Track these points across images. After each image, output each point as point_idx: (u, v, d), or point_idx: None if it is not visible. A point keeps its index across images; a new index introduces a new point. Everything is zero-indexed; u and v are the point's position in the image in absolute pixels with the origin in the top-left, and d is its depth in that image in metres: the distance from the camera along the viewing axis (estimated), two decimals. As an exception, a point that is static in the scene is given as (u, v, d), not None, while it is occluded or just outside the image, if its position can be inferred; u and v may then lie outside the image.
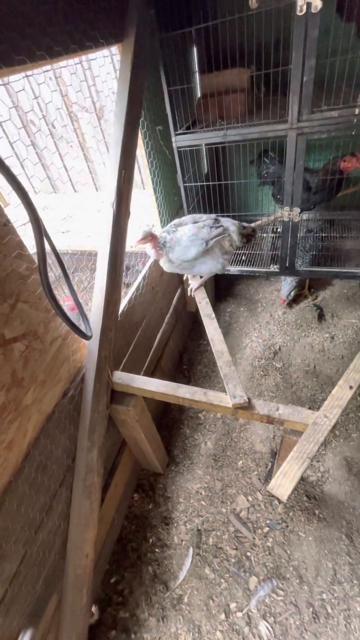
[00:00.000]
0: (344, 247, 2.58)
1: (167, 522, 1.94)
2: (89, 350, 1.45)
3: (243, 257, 2.66)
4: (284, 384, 2.44)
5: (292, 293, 2.93)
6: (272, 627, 1.51)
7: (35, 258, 1.00)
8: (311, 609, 1.53)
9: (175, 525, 1.91)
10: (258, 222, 2.50)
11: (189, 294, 2.06)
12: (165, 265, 1.86)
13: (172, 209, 2.38)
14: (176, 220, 1.85)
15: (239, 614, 1.57)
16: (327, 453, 2.01)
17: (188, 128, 2.03)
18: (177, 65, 1.89)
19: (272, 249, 2.68)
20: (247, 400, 1.36)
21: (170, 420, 2.41)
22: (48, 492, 1.29)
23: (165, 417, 2.44)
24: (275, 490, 1.10)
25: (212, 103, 2.01)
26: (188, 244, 1.72)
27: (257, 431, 2.20)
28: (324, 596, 1.56)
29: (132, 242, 1.66)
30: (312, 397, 2.32)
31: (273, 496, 1.90)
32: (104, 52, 3.00)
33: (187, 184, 2.21)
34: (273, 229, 2.89)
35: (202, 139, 1.95)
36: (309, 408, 1.34)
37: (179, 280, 2.65)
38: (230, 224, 1.83)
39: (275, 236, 2.80)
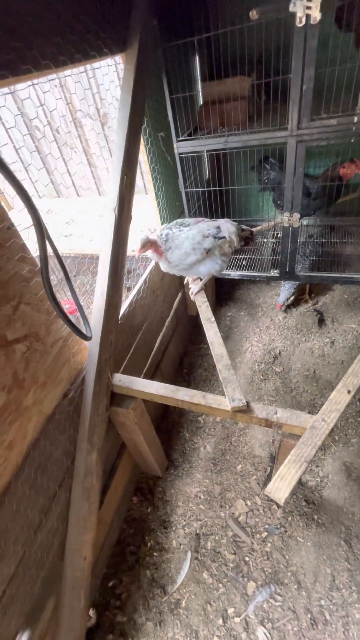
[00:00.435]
0: (344, 252, 2.60)
1: (166, 525, 1.93)
2: (89, 353, 1.47)
3: (244, 262, 2.68)
4: (284, 388, 2.44)
5: (292, 298, 2.94)
6: (269, 633, 1.51)
7: (38, 261, 1.02)
8: (309, 615, 1.53)
9: (173, 529, 1.91)
10: (258, 227, 2.53)
11: (191, 297, 2.08)
12: (163, 266, 1.87)
13: (173, 213, 2.41)
14: (179, 220, 1.87)
15: (237, 619, 1.56)
16: (327, 458, 2.00)
17: (190, 135, 2.06)
18: (180, 73, 1.93)
19: (273, 254, 2.70)
20: (245, 403, 1.37)
21: (169, 423, 2.42)
22: (47, 493, 1.30)
23: (164, 420, 2.44)
24: (272, 494, 1.11)
25: (214, 110, 2.05)
26: (189, 251, 1.74)
27: (257, 435, 2.20)
28: (323, 602, 1.55)
29: (135, 250, 1.69)
30: (312, 401, 2.33)
31: (272, 501, 1.90)
32: (108, 61, 3.06)
33: (189, 190, 2.24)
34: (273, 234, 2.92)
35: (203, 145, 1.98)
36: (309, 412, 1.35)
37: (179, 284, 2.67)
38: (230, 226, 1.85)
39: (276, 241, 2.82)
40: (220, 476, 2.06)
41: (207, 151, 2.36)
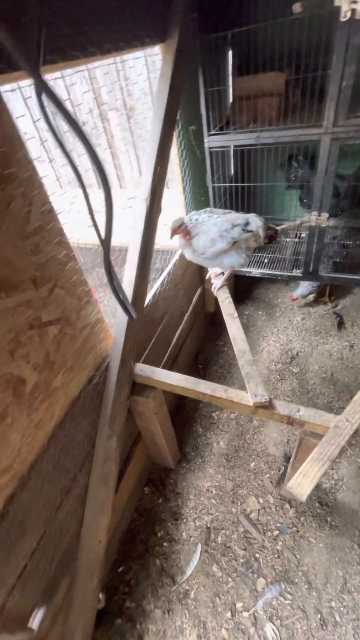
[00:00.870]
0: (369, 255, 2.55)
1: (177, 517, 1.95)
2: (114, 341, 1.49)
3: (265, 260, 2.66)
4: (300, 389, 2.42)
5: (310, 297, 2.91)
6: (278, 630, 1.51)
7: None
8: (319, 616, 1.52)
9: (184, 521, 1.93)
10: (283, 226, 2.50)
11: (214, 293, 2.07)
12: (187, 254, 1.85)
13: (198, 208, 2.40)
14: (208, 208, 1.86)
15: (245, 614, 1.57)
16: (342, 461, 1.98)
17: (221, 129, 2.06)
18: (215, 67, 1.92)
19: (294, 253, 2.67)
20: (268, 399, 1.37)
21: (183, 418, 2.43)
22: (69, 474, 1.33)
23: (178, 415, 2.45)
24: (294, 490, 1.10)
25: (246, 105, 2.03)
26: (216, 238, 1.71)
27: (271, 434, 2.19)
28: (333, 604, 1.54)
29: (169, 235, 1.68)
30: (329, 404, 2.30)
31: (285, 499, 1.89)
32: (138, 53, 3.07)
33: (216, 185, 2.23)
34: (296, 234, 2.89)
35: (234, 140, 1.97)
36: (329, 413, 1.34)
37: (200, 279, 2.67)
38: (258, 220, 1.84)
39: (298, 241, 2.79)
40: (233, 472, 2.07)
41: (235, 147, 2.34)
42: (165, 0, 1.48)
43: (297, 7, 1.44)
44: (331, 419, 1.29)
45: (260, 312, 3.11)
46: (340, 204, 2.27)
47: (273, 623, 1.53)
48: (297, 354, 2.67)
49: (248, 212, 2.57)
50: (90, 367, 1.40)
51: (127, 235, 1.57)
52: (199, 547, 1.80)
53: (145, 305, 1.80)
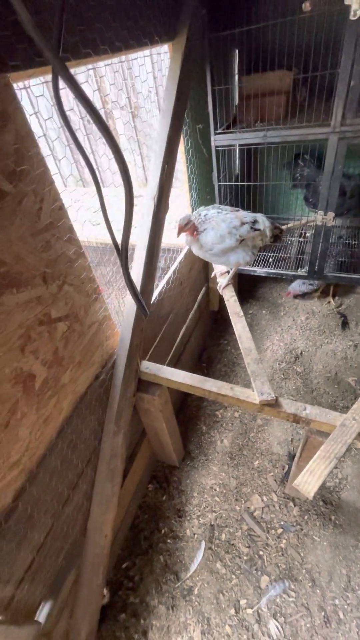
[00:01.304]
0: (374, 255, 2.55)
1: (180, 514, 1.96)
2: (121, 338, 1.50)
3: (270, 260, 2.66)
4: (305, 388, 2.42)
5: (315, 294, 2.94)
6: (282, 627, 1.51)
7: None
8: (323, 613, 1.53)
9: (188, 518, 1.94)
10: (289, 225, 2.50)
11: (219, 291, 2.08)
12: (194, 249, 1.84)
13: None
14: (216, 204, 1.86)
15: (249, 611, 1.58)
16: (346, 460, 1.99)
17: (228, 127, 2.06)
18: (222, 65, 1.92)
19: (299, 252, 2.67)
20: (274, 397, 1.37)
21: (186, 416, 2.44)
22: (76, 470, 1.34)
23: (182, 413, 2.46)
24: (301, 487, 1.11)
25: (254, 104, 2.03)
26: (224, 234, 1.71)
27: (275, 433, 2.19)
28: (337, 602, 1.55)
29: (176, 233, 1.68)
30: (333, 403, 2.30)
31: (288, 498, 1.90)
32: (146, 52, 3.06)
33: (222, 183, 2.23)
34: (301, 233, 2.88)
35: (241, 139, 1.97)
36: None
37: (204, 278, 2.68)
38: (265, 219, 1.84)
39: (303, 240, 2.79)
40: (237, 470, 2.07)
41: (240, 145, 2.35)
42: (174, -2, 1.49)
43: (306, 6, 1.44)
44: (338, 417, 1.29)
45: (264, 312, 3.12)
46: (347, 204, 2.27)
47: (277, 620, 1.54)
48: (301, 353, 2.67)
49: (253, 211, 2.58)
50: (98, 364, 1.41)
51: (134, 233, 1.57)
52: (203, 544, 1.81)
53: (151, 303, 1.81)
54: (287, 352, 2.69)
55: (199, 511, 1.95)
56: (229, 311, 1.91)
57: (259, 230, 1.82)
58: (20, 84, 0.95)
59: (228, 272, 2.10)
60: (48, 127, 3.93)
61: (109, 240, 1.06)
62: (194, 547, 1.82)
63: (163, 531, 1.91)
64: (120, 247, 1.01)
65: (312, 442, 1.40)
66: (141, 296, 1.29)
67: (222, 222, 1.75)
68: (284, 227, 2.10)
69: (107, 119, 3.86)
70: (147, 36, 1.32)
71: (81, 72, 3.36)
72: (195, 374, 2.69)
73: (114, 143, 0.73)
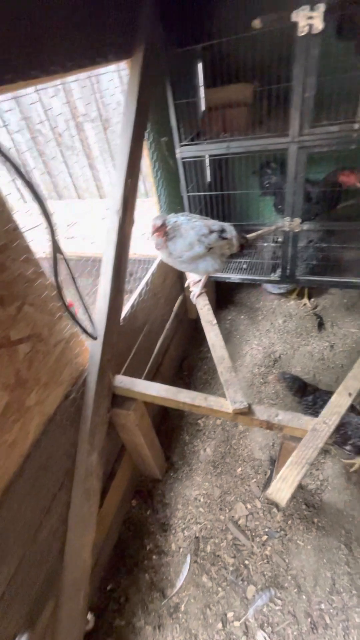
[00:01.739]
0: (344, 257, 2.62)
1: (165, 528, 1.93)
2: (91, 354, 1.48)
3: (244, 266, 2.70)
4: (284, 391, 2.45)
5: (291, 296, 3.02)
6: (269, 637, 1.50)
7: (44, 262, 1.03)
8: (309, 619, 1.52)
9: (173, 532, 1.91)
10: (256, 233, 2.55)
11: (192, 300, 2.09)
12: (163, 256, 1.85)
13: (175, 217, 2.43)
14: (186, 212, 1.88)
15: (237, 624, 1.55)
16: (327, 461, 2.01)
17: (193, 139, 2.09)
18: (184, 79, 1.96)
19: (273, 257, 2.72)
20: (247, 405, 1.38)
21: (169, 426, 2.42)
22: (48, 494, 1.30)
23: (164, 423, 2.44)
24: (274, 495, 1.11)
25: (217, 116, 2.07)
26: (193, 242, 1.72)
27: (256, 438, 2.20)
28: (323, 606, 1.55)
29: (150, 233, 1.67)
30: (312, 405, 2.33)
31: (272, 504, 1.89)
32: (113, 66, 3.10)
33: (190, 194, 2.26)
34: (274, 238, 2.94)
35: (205, 150, 2.01)
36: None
37: (181, 287, 2.69)
38: (232, 229, 1.87)
39: (276, 245, 2.84)
40: (220, 479, 2.06)
41: (209, 156, 2.39)
42: (130, 16, 1.51)
43: (256, 23, 1.49)
44: (309, 422, 1.31)
45: (242, 317, 3.15)
46: (313, 209, 2.33)
47: (264, 630, 1.52)
48: (279, 356, 2.70)
49: (225, 219, 2.62)
50: (67, 383, 1.38)
51: (100, 247, 1.57)
52: (189, 557, 1.78)
53: (123, 316, 1.80)
54: (266, 356, 2.72)
55: (184, 524, 1.93)
56: (202, 320, 1.92)
57: (226, 239, 1.85)
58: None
59: (199, 279, 2.11)
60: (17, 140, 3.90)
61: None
62: (180, 561, 1.79)
63: (148, 547, 1.88)
64: (54, 261, 0.99)
65: (286, 447, 1.41)
66: (88, 317, 1.26)
67: (191, 229, 1.76)
68: (249, 235, 2.14)
69: (79, 132, 3.88)
70: (102, 54, 1.34)
71: (51, 87, 3.37)
72: (177, 382, 2.70)
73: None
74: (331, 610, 1.53)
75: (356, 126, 1.62)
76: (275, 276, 2.42)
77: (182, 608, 1.64)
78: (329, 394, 1.79)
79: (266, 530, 1.81)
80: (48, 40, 1.06)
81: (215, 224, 1.84)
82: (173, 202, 2.35)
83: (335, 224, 2.87)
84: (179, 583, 1.71)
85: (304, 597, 1.58)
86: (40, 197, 0.80)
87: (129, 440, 1.80)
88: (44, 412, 1.25)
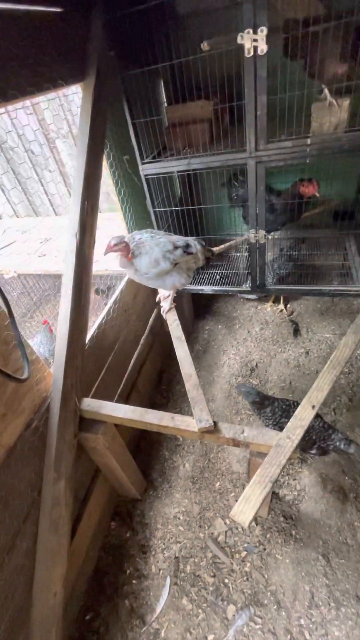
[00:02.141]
0: (313, 264, 2.67)
1: (145, 550, 1.89)
2: (54, 379, 1.45)
3: (217, 277, 2.71)
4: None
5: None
6: (250, 659, 1.47)
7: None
8: (289, 636, 1.50)
9: (153, 553, 1.87)
10: (223, 246, 2.58)
11: (163, 315, 2.08)
12: (129, 273, 1.83)
13: (144, 232, 2.43)
14: (150, 229, 1.87)
15: (217, 647, 1.52)
16: (303, 470, 2.01)
17: (157, 155, 2.11)
18: (145, 98, 1.98)
19: (247, 267, 2.74)
20: (212, 424, 1.37)
21: (148, 442, 2.39)
22: (10, 529, 1.25)
23: (143, 439, 2.41)
24: (237, 517, 1.10)
25: (180, 132, 2.10)
26: (159, 258, 1.72)
27: (234, 451, 2.19)
28: (302, 622, 1.53)
29: (104, 249, 1.63)
30: (288, 413, 2.34)
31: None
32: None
33: (158, 209, 2.27)
34: (246, 248, 2.97)
35: (168, 167, 2.02)
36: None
37: (155, 302, 2.68)
38: (196, 243, 1.88)
39: (248, 255, 2.87)
40: (199, 495, 2.04)
41: (178, 171, 2.41)
42: (79, 42, 1.53)
43: (205, 46, 1.52)
44: (273, 437, 1.31)
45: (220, 326, 3.16)
46: (279, 219, 2.37)
47: (245, 652, 1.49)
48: (256, 365, 2.71)
49: (196, 231, 2.64)
50: (28, 411, 1.35)
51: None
52: (168, 580, 1.75)
53: (90, 336, 1.78)
54: (243, 365, 2.73)
55: (164, 544, 1.89)
56: (172, 335, 1.91)
57: (192, 253, 1.86)
58: None
59: (167, 295, 2.11)
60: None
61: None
62: (160, 584, 1.75)
63: (128, 572, 1.83)
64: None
65: (254, 463, 1.41)
66: (23, 356, 1.19)
67: (156, 246, 1.76)
68: (217, 248, 2.16)
69: (52, 150, 3.87)
70: (49, 80, 1.34)
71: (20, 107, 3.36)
72: (155, 398, 2.67)
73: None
74: (310, 625, 1.51)
75: (309, 141, 1.67)
76: (246, 286, 2.44)
77: (162, 634, 1.60)
78: (287, 401, 1.82)
79: (245, 545, 1.79)
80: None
81: (180, 240, 1.85)
82: (141, 218, 2.35)
83: (305, 232, 2.93)
84: (158, 608, 1.67)
85: (283, 613, 1.56)
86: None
87: (102, 463, 1.77)
88: (2, 444, 1.21)
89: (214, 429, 1.37)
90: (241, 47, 1.48)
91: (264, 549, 1.76)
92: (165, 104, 2.45)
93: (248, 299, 3.31)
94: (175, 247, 1.81)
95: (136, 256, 1.76)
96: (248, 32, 1.42)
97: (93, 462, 1.81)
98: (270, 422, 1.79)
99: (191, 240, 1.90)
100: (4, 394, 1.21)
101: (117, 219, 2.55)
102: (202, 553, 1.82)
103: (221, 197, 2.87)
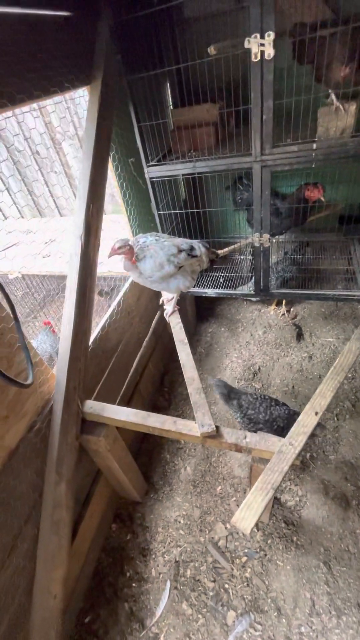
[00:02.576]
0: (317, 268, 2.65)
1: (145, 553, 1.89)
2: (57, 382, 1.45)
3: (221, 279, 2.71)
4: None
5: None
6: (249, 666, 1.46)
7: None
8: (289, 644, 1.49)
9: (153, 556, 1.86)
10: (228, 249, 2.57)
11: (166, 319, 2.08)
12: (134, 276, 1.83)
13: (148, 234, 2.43)
14: (154, 232, 1.87)
15: (216, 653, 1.51)
16: (305, 476, 1.99)
17: (163, 158, 2.11)
18: (151, 101, 1.98)
19: (251, 270, 2.74)
20: (215, 429, 1.36)
21: (150, 445, 2.38)
22: (11, 530, 1.26)
23: (146, 441, 2.41)
24: (238, 524, 1.09)
25: (185, 135, 2.10)
26: (163, 262, 1.72)
27: (236, 455, 2.18)
28: (303, 629, 1.52)
29: (108, 252, 1.62)
30: (291, 418, 2.33)
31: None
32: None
33: (162, 212, 2.27)
34: (250, 251, 2.97)
35: (173, 170, 2.02)
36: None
37: (158, 304, 2.68)
38: (201, 246, 1.88)
39: (252, 259, 2.87)
40: (200, 499, 2.03)
41: (183, 174, 2.42)
42: (86, 46, 1.53)
43: (211, 50, 1.52)
44: (276, 443, 1.30)
45: (223, 329, 3.15)
46: (283, 224, 2.36)
47: (244, 658, 1.48)
48: (259, 369, 2.70)
49: (201, 234, 2.63)
50: (31, 413, 1.35)
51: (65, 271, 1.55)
52: (168, 584, 1.74)
53: (93, 339, 1.78)
54: (246, 368, 2.72)
55: (164, 547, 1.89)
56: (174, 339, 1.91)
57: (196, 256, 1.85)
58: None
59: (170, 297, 2.11)
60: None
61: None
62: (160, 588, 1.75)
63: (128, 574, 1.83)
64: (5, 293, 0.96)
65: (256, 469, 1.40)
66: (27, 360, 1.20)
67: (160, 250, 1.76)
68: (221, 251, 2.15)
69: (57, 151, 3.89)
70: (56, 84, 1.35)
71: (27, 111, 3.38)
72: (157, 401, 2.67)
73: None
74: (311, 633, 1.50)
75: (314, 145, 1.66)
76: (249, 289, 2.44)
77: (162, 639, 1.59)
78: (254, 395, 1.91)
79: (246, 551, 1.78)
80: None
81: (184, 243, 1.85)
82: (145, 220, 2.35)
83: (308, 235, 2.92)
84: (158, 612, 1.67)
85: (283, 620, 1.55)
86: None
87: (104, 465, 1.77)
88: (4, 447, 1.22)
89: (216, 434, 1.37)
90: (248, 51, 1.48)
91: (265, 555, 1.75)
92: (171, 107, 2.46)
93: (251, 301, 3.30)
94: (180, 251, 1.81)
95: (140, 259, 1.76)
96: (255, 37, 1.42)
97: (94, 464, 1.81)
98: (238, 414, 1.88)
99: (195, 243, 1.90)
100: (7, 396, 1.21)
101: (122, 221, 2.56)
102: (202, 557, 1.81)
103: (226, 200, 2.87)
